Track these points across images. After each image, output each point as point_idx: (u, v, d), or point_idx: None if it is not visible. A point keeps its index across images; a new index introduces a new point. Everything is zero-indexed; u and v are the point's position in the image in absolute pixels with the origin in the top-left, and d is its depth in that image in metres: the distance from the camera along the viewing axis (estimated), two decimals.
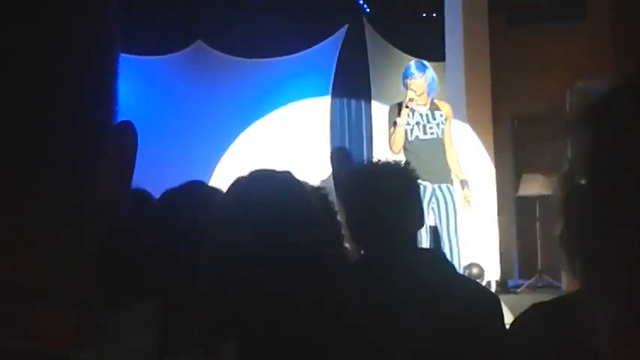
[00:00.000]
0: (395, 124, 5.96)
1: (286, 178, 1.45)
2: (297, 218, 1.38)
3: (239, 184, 1.44)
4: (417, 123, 5.99)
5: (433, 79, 6.10)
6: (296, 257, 1.35)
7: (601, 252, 0.55)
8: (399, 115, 6.00)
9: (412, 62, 6.32)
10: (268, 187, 1.42)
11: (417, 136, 5.97)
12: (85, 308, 0.50)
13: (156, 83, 8.02)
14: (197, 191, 1.88)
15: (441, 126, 6.02)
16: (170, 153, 7.61)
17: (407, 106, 5.95)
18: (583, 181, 0.59)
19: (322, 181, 7.47)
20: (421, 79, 6.01)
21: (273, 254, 1.33)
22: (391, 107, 6.28)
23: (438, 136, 6.00)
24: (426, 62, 6.33)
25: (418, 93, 5.98)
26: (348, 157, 7.05)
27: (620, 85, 0.60)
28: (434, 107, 6.06)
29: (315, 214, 1.42)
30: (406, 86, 6.05)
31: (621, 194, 0.55)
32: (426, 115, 6.02)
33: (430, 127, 6.00)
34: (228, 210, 1.42)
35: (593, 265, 0.56)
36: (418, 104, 5.98)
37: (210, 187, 1.97)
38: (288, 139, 8.23)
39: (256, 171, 1.46)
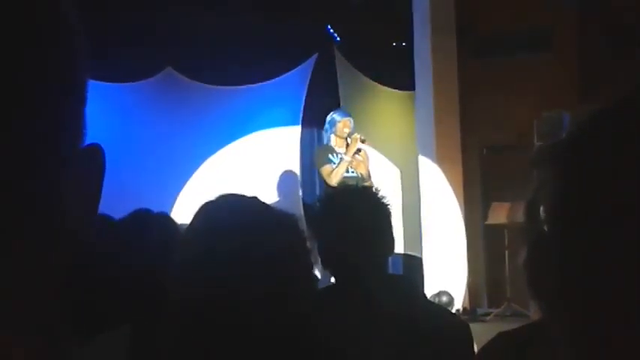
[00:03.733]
0: (342, 159, 6.75)
1: (255, 202, 1.44)
2: (269, 242, 1.37)
3: (207, 208, 1.42)
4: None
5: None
6: (269, 281, 1.34)
7: (564, 296, 0.54)
8: (336, 150, 6.80)
9: (335, 111, 7.19)
10: (238, 211, 1.41)
11: (342, 174, 6.77)
12: (50, 335, 0.49)
13: (126, 110, 7.97)
14: (146, 220, 1.88)
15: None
16: (138, 178, 7.56)
17: (362, 142, 6.79)
18: (545, 227, 0.57)
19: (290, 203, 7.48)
20: (349, 121, 6.92)
21: (243, 278, 1.32)
22: (319, 149, 7.08)
23: (358, 174, 6.76)
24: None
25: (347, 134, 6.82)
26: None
27: (584, 128, 0.56)
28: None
29: (287, 239, 1.42)
30: (337, 128, 6.86)
31: (585, 241, 0.53)
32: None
33: (351, 167, 6.81)
34: (196, 234, 1.41)
35: (557, 306, 0.55)
36: (341, 147, 6.79)
37: (158, 215, 1.96)
38: (256, 166, 8.21)
39: (224, 195, 1.45)
